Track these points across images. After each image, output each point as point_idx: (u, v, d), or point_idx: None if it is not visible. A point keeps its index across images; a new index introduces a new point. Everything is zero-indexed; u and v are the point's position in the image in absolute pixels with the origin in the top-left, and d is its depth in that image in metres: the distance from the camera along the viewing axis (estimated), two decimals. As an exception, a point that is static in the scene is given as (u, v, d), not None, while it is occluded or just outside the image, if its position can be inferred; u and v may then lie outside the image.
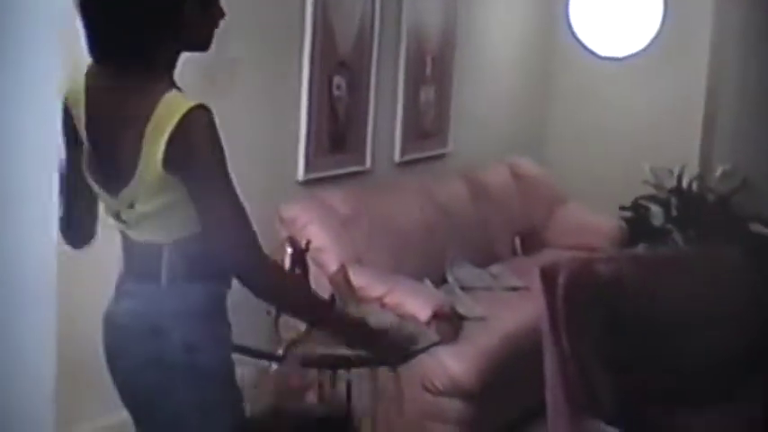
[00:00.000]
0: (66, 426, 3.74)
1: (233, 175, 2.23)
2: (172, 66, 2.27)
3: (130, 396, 2.39)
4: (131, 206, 2.26)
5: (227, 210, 2.21)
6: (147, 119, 2.15)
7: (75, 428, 3.80)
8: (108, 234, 2.43)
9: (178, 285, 2.27)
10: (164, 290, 2.28)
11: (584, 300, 3.29)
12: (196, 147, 2.15)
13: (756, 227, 6.33)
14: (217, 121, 2.18)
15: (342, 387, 4.02)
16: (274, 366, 3.69)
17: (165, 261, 2.27)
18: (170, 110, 2.14)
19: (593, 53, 6.66)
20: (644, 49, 6.54)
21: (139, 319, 2.30)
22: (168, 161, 2.15)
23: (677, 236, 6.33)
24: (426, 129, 6.00)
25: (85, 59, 2.26)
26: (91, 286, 2.69)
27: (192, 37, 2.27)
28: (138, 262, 2.34)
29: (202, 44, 2.33)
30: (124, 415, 2.44)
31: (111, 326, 2.39)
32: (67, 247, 2.49)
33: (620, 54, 6.60)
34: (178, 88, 2.22)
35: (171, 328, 2.27)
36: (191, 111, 2.14)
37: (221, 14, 2.32)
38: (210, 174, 2.19)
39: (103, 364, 2.41)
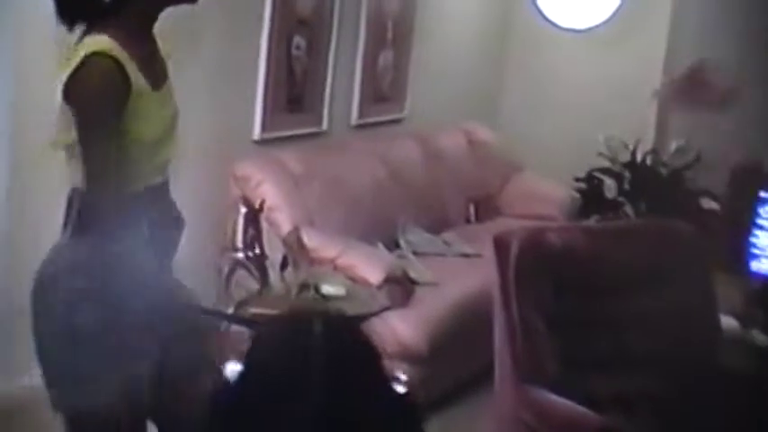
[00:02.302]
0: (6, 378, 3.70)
1: (143, 130, 2.25)
2: (129, 17, 2.27)
3: (35, 343, 2.38)
4: (57, 141, 2.33)
5: (86, 163, 2.22)
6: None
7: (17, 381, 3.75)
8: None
9: (72, 237, 2.30)
10: (67, 238, 2.32)
11: (536, 269, 3.32)
12: (78, 91, 2.20)
13: (707, 202, 6.39)
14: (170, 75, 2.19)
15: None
16: (225, 325, 3.68)
17: (72, 210, 2.31)
18: (82, 49, 2.20)
19: (553, 24, 6.67)
20: (604, 22, 6.57)
21: (43, 267, 2.34)
22: (66, 95, 2.22)
23: (629, 209, 6.36)
24: (384, 93, 5.98)
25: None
26: (36, 236, 2.67)
27: None
28: (66, 208, 2.39)
29: None
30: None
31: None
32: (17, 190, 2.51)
33: (581, 26, 6.63)
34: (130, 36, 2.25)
35: (60, 281, 2.28)
36: (88, 56, 2.18)
37: None
38: (82, 123, 2.21)
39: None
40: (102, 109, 2.20)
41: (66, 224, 2.35)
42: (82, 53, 2.19)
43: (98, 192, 2.22)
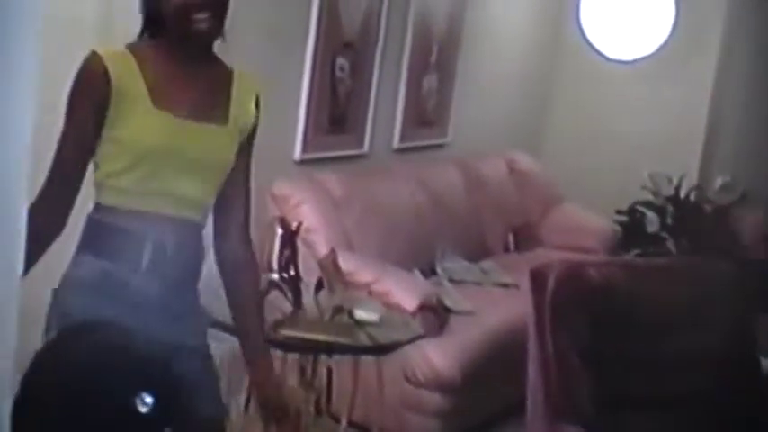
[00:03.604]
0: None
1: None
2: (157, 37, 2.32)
3: None
4: None
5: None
6: None
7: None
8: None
9: (77, 250, 2.31)
10: (73, 254, 2.33)
11: (573, 305, 3.26)
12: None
13: (751, 241, 6.31)
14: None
15: (323, 372, 4.00)
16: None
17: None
18: None
19: (601, 54, 6.62)
20: (652, 54, 6.51)
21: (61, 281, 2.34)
22: None
23: (671, 244, 6.30)
24: (427, 117, 5.95)
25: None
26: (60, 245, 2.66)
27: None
28: None
29: (184, 32, 2.29)
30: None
31: None
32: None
33: (629, 57, 6.57)
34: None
35: (60, 294, 2.29)
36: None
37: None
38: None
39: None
40: (73, 100, 2.23)
41: None
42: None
43: (48, 180, 2.22)
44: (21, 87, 1.18)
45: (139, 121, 2.23)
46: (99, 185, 2.29)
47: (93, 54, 2.22)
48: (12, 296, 1.33)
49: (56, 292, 2.30)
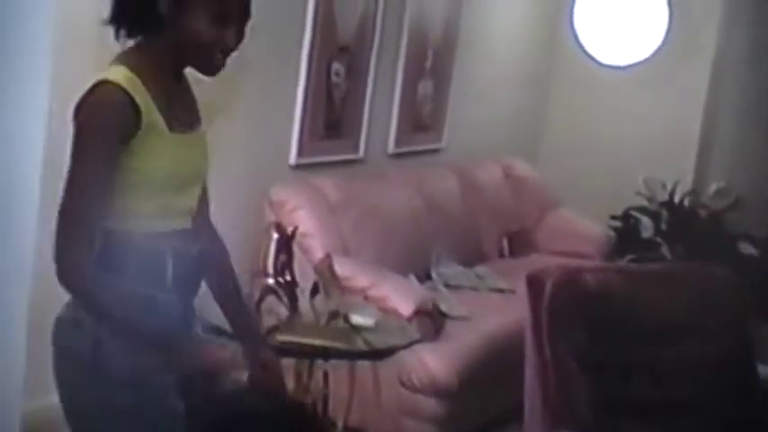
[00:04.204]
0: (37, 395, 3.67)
1: (156, 163, 2.18)
2: (158, 58, 2.23)
3: (57, 385, 2.32)
4: None
5: (65, 195, 2.14)
6: None
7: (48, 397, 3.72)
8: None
9: (100, 278, 2.20)
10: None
11: (570, 310, 3.27)
12: (81, 114, 2.13)
13: (746, 247, 6.30)
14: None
15: (319, 377, 3.99)
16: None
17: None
18: (96, 78, 2.15)
19: (594, 60, 6.63)
20: (646, 60, 6.52)
21: (67, 308, 2.27)
22: (73, 115, 2.16)
23: (665, 249, 6.30)
24: (422, 122, 5.96)
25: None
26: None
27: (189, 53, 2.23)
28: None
29: (199, 64, 2.26)
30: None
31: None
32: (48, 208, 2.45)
33: (622, 63, 6.58)
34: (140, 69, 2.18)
35: (84, 324, 2.21)
36: (99, 82, 2.13)
37: (233, 40, 2.24)
38: (77, 146, 2.13)
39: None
40: (98, 137, 2.12)
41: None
42: (95, 80, 2.14)
43: (65, 223, 2.12)
44: (34, 94, 1.17)
45: (160, 148, 2.19)
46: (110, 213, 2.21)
47: (114, 85, 2.11)
48: (22, 300, 1.33)
49: (79, 321, 2.23)
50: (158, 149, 2.19)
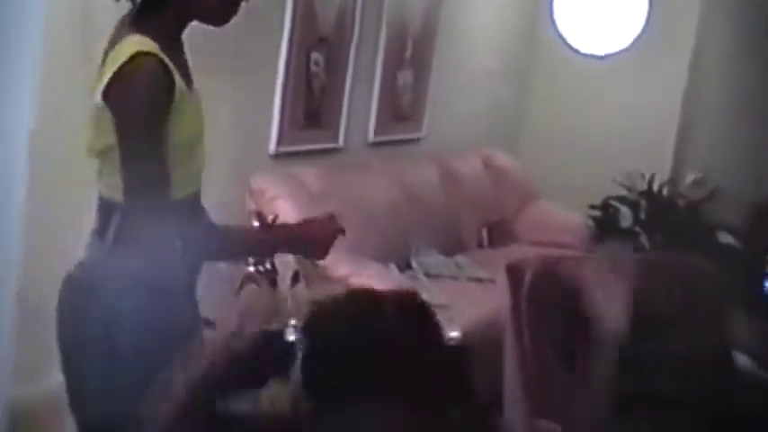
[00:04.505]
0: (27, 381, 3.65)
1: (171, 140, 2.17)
2: (165, 22, 2.23)
3: (61, 351, 2.32)
4: (91, 147, 2.24)
5: (131, 169, 2.14)
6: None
7: (37, 383, 3.71)
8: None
9: (121, 248, 2.20)
10: (107, 250, 2.23)
11: (548, 299, 3.28)
12: (124, 92, 2.13)
13: (724, 236, 6.33)
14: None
15: (299, 364, 3.99)
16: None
17: (113, 219, 2.22)
18: (122, 50, 2.14)
19: (574, 49, 6.64)
20: (626, 50, 6.53)
21: (81, 273, 2.27)
22: (108, 95, 2.14)
23: (644, 239, 6.33)
24: (402, 111, 5.95)
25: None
26: (60, 242, 2.62)
27: (201, 6, 2.25)
28: (99, 216, 2.31)
29: (212, 16, 2.29)
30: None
31: (66, 276, 2.37)
32: (37, 195, 2.44)
33: (602, 52, 6.59)
34: (161, 39, 2.18)
35: (99, 292, 2.21)
36: (133, 56, 2.11)
37: None
38: (128, 126, 2.13)
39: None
40: (151, 111, 2.12)
41: (101, 232, 2.26)
42: (127, 52, 2.12)
43: (143, 201, 2.14)
44: (20, 87, 1.17)
45: (187, 110, 2.22)
46: None
47: (152, 57, 2.12)
48: (8, 285, 1.32)
49: (95, 289, 2.23)
50: (185, 113, 2.21)
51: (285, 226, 2.65)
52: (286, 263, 3.95)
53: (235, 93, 4.63)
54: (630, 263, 3.83)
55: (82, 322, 2.23)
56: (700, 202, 6.56)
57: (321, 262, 4.07)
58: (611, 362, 3.30)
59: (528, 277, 3.25)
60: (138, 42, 2.14)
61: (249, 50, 4.65)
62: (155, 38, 2.16)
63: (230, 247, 2.46)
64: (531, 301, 3.22)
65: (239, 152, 4.68)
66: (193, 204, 2.34)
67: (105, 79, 2.14)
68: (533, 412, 3.14)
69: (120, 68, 2.12)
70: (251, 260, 3.80)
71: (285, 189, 4.65)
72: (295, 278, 3.93)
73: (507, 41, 6.97)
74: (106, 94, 2.14)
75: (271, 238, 2.46)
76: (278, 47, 4.83)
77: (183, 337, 2.28)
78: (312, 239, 2.41)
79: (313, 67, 5.10)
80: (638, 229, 6.40)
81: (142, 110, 2.13)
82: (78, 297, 2.26)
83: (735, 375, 3.51)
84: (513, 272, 3.30)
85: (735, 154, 6.82)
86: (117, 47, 2.16)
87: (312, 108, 5.16)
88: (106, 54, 2.22)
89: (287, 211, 4.48)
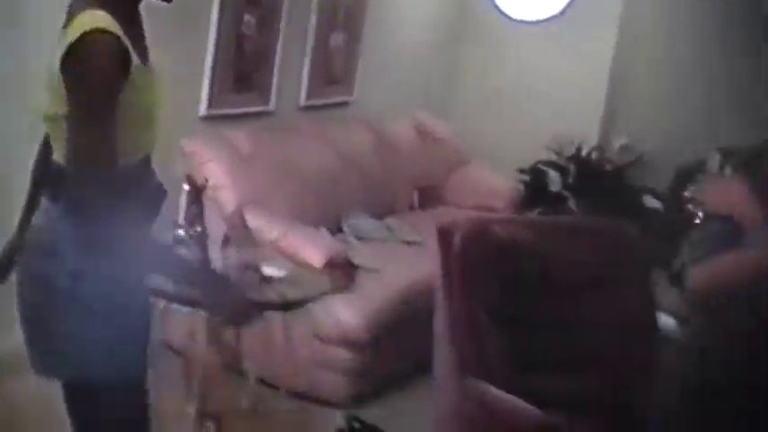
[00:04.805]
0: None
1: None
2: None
3: (21, 311, 2.37)
4: (44, 111, 2.28)
5: (82, 137, 2.17)
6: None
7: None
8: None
9: (74, 210, 2.22)
10: (61, 212, 2.27)
11: (479, 260, 3.29)
12: (80, 64, 2.15)
13: (649, 200, 6.46)
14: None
15: (231, 330, 3.99)
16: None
17: (66, 183, 2.23)
18: (80, 24, 2.16)
19: (505, 15, 6.67)
20: (556, 16, 6.58)
21: (39, 235, 2.32)
22: (65, 67, 2.17)
23: (572, 203, 6.41)
24: (333, 75, 5.94)
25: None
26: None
27: None
28: (52, 179, 2.35)
29: None
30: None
31: (14, 241, 2.46)
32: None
33: (532, 18, 6.63)
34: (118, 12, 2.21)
35: (61, 252, 2.25)
36: (89, 31, 2.14)
37: None
38: (83, 96, 2.16)
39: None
40: (103, 89, 2.15)
41: (55, 197, 2.30)
42: (82, 27, 2.15)
43: (94, 167, 2.16)
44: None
45: (143, 87, 2.25)
46: None
47: (107, 33, 2.14)
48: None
49: (55, 248, 2.27)
50: (142, 87, 2.25)
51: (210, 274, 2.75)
52: (217, 226, 3.95)
53: (165, 55, 4.57)
54: (558, 226, 3.88)
55: (48, 284, 2.27)
56: (627, 167, 6.67)
57: (251, 225, 4.09)
58: (540, 322, 3.35)
59: (458, 239, 3.26)
60: (95, 18, 2.17)
61: (180, 12, 4.59)
62: (112, 11, 2.20)
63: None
64: (461, 263, 3.24)
65: (169, 114, 4.63)
66: (144, 167, 2.37)
67: (62, 50, 2.17)
68: (464, 372, 3.17)
69: (77, 43, 2.15)
70: (181, 223, 3.80)
71: (216, 151, 4.63)
72: (226, 242, 3.94)
73: (439, 6, 6.97)
74: (65, 66, 2.18)
75: (191, 274, 2.50)
76: (209, 8, 4.79)
77: (146, 292, 2.42)
78: (227, 301, 2.42)
79: (245, 30, 5.07)
80: (566, 193, 6.48)
81: (94, 88, 2.15)
82: (39, 260, 2.31)
83: (658, 335, 3.59)
84: (444, 234, 3.31)
85: (661, 121, 6.93)
86: (77, 18, 2.19)
87: (243, 71, 5.13)
88: (68, 20, 2.24)
89: (217, 174, 4.48)
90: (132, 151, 2.30)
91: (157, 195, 2.43)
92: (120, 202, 2.18)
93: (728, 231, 2.87)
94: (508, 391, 3.05)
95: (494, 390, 3.07)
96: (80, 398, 2.39)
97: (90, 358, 2.29)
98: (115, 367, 2.30)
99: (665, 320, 3.79)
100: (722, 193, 3.09)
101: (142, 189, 2.35)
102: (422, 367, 3.94)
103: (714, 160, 6.56)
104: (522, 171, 6.60)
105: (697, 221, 4.03)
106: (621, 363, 3.40)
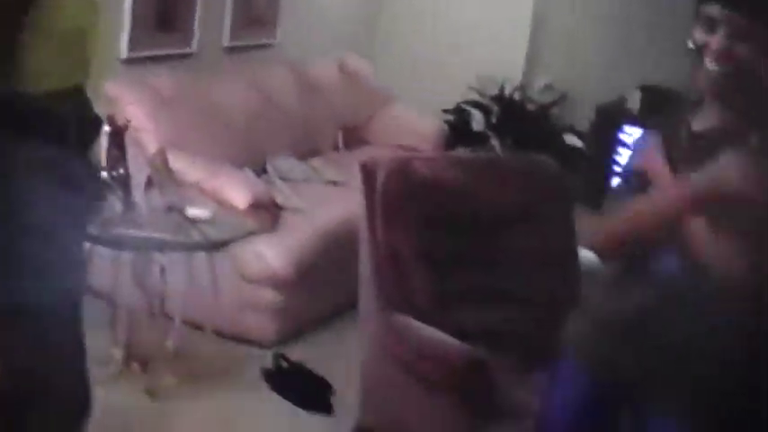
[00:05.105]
0: None
1: None
2: None
3: None
4: None
5: None
6: None
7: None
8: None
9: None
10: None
11: (403, 197, 3.32)
12: None
13: (570, 138, 6.54)
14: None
15: (156, 271, 3.99)
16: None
17: None
18: None
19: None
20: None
21: None
22: None
23: (495, 142, 6.47)
24: (257, 16, 5.89)
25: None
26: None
27: None
28: None
29: None
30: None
31: None
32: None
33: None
34: None
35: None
36: None
37: None
38: None
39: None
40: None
41: None
42: None
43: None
44: None
45: (66, 4, 2.19)
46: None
47: None
48: None
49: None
50: (64, 3, 2.18)
51: None
52: (139, 168, 3.93)
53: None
54: (481, 163, 3.92)
55: None
56: (549, 107, 6.73)
57: (174, 167, 4.07)
58: (463, 258, 3.39)
59: (381, 176, 3.29)
60: None
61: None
62: None
63: None
64: (384, 198, 3.26)
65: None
66: (82, 93, 2.32)
67: None
68: (388, 308, 3.21)
69: None
70: (104, 165, 3.77)
71: (137, 94, 4.59)
72: (149, 184, 3.92)
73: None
74: None
75: None
76: (127, -53, 4.72)
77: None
78: None
79: (164, -30, 5.01)
80: (489, 132, 6.53)
81: None
82: None
83: (578, 269, 3.64)
84: (367, 171, 3.32)
85: (583, 61, 6.99)
86: None
87: (164, 12, 5.07)
88: None
89: (139, 117, 4.44)
90: (61, 75, 2.21)
91: (94, 126, 2.37)
92: (56, 130, 2.12)
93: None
94: (432, 326, 3.09)
95: (419, 324, 3.11)
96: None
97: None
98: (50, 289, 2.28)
99: (586, 255, 3.85)
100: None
101: (78, 118, 2.31)
102: (348, 305, 3.99)
103: (634, 98, 6.67)
104: (445, 111, 6.63)
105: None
106: (544, 297, 3.45)
